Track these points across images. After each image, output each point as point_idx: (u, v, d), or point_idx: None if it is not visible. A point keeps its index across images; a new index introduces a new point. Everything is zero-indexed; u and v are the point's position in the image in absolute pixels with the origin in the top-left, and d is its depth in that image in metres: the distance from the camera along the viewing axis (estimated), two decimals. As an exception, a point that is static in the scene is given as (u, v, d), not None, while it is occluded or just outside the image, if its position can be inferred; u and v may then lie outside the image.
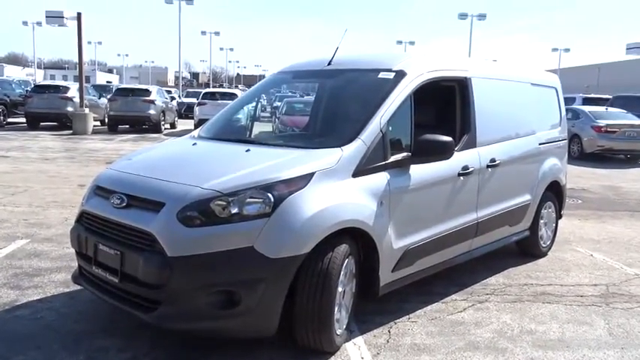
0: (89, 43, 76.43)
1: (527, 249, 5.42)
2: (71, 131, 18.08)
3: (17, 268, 4.60)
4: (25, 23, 54.63)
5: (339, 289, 3.16)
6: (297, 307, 3.02)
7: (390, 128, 3.63)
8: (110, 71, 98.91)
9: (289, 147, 3.55)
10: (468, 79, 4.36)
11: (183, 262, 2.81)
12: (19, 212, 6.70)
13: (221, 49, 79.27)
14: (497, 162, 4.48)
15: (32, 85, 20.37)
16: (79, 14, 18.00)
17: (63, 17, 18.84)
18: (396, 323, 3.73)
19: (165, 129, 20.61)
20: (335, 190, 3.17)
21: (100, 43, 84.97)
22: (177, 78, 67.19)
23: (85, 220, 3.43)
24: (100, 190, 3.41)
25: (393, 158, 3.55)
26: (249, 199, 2.93)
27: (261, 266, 2.85)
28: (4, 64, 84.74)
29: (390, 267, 3.57)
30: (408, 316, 3.87)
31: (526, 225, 5.15)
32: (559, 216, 5.80)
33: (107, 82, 54.40)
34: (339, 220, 3.10)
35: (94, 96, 21.41)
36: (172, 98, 25.08)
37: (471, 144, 4.30)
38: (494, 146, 4.53)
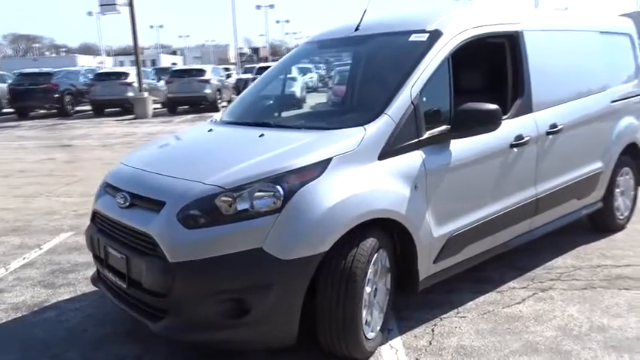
0: (151, 27, 78.48)
1: (601, 223, 4.76)
2: (133, 116, 18.49)
3: (55, 264, 4.53)
4: (89, 14, 56.54)
5: (367, 288, 2.78)
6: (318, 311, 2.66)
7: (424, 99, 3.14)
8: (174, 53, 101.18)
9: (309, 129, 3.14)
10: (519, 33, 3.75)
11: (186, 268, 2.52)
12: (71, 203, 6.74)
13: (277, 21, 78.94)
14: (559, 127, 3.87)
15: (94, 74, 20.93)
16: (130, 0, 18.15)
17: (115, 4, 19.10)
18: (441, 320, 3.30)
19: (222, 107, 20.67)
20: (357, 177, 2.75)
21: (161, 26, 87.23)
22: (238, 55, 67.74)
23: (97, 220, 3.22)
24: (108, 188, 3.17)
25: (428, 134, 3.07)
26: (256, 194, 2.58)
27: (272, 269, 2.51)
28: (77, 54, 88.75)
29: (430, 258, 3.13)
30: (456, 310, 3.42)
31: (598, 196, 4.50)
32: (639, 183, 5.07)
33: (172, 63, 55.62)
34: (362, 212, 2.69)
35: (153, 79, 21.79)
36: (228, 76, 25.08)
37: (526, 109, 3.72)
38: (554, 109, 3.92)
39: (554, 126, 3.85)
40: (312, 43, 4.26)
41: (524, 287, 3.74)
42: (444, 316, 3.35)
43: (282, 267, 2.51)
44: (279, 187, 2.58)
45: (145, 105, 18.20)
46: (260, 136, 3.12)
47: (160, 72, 25.35)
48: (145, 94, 18.49)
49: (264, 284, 2.51)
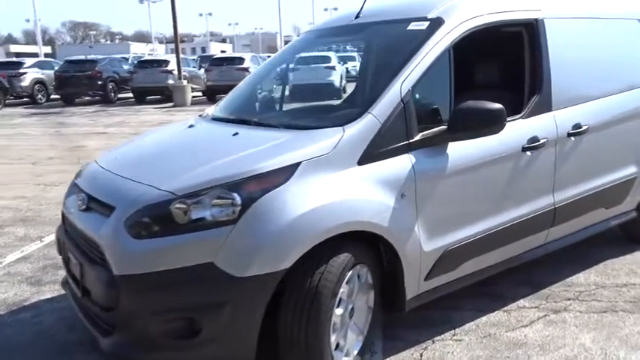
0: (200, 14, 79.26)
1: (635, 234, 4.26)
2: (172, 103, 18.62)
3: (49, 259, 4.43)
4: (141, 1, 57.63)
5: (338, 310, 2.48)
6: (280, 334, 2.39)
7: (418, 96, 2.80)
8: (224, 41, 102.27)
9: (288, 128, 2.84)
10: (539, 21, 3.31)
11: (132, 282, 2.28)
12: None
13: (325, 9, 78.35)
14: (583, 128, 3.42)
15: (136, 62, 21.21)
16: (171, -13, 18.21)
17: (157, -8, 19.15)
18: (434, 342, 2.97)
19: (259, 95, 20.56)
20: (330, 185, 2.44)
21: (210, 14, 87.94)
22: (285, 42, 67.75)
23: (64, 221, 3.04)
24: (74, 187, 2.99)
25: (420, 136, 2.72)
26: (214, 202, 2.31)
27: (225, 287, 2.25)
28: (131, 42, 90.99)
29: (421, 274, 2.80)
30: (453, 332, 3.07)
31: (631, 205, 4.00)
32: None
33: (221, 51, 56.14)
34: (332, 224, 2.39)
35: (194, 67, 21.89)
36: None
37: (544, 107, 3.29)
38: (579, 107, 3.47)
39: (577, 126, 3.40)
40: (312, 33, 3.94)
41: (536, 307, 3.34)
42: (438, 338, 3.01)
43: (236, 285, 2.24)
44: (236, 195, 2.30)
45: (184, 93, 18.28)
46: (234, 134, 2.85)
47: (204, 60, 25.48)
48: (184, 82, 18.57)
49: (216, 303, 2.25)
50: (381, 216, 2.54)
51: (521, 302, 3.40)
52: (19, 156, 9.54)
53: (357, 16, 3.49)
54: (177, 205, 2.30)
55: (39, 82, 20.96)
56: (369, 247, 2.65)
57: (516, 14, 3.28)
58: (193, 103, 18.88)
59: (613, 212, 3.89)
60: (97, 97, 20.43)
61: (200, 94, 21.20)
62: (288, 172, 2.38)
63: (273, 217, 2.29)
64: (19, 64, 21.21)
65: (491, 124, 2.75)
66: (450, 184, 2.83)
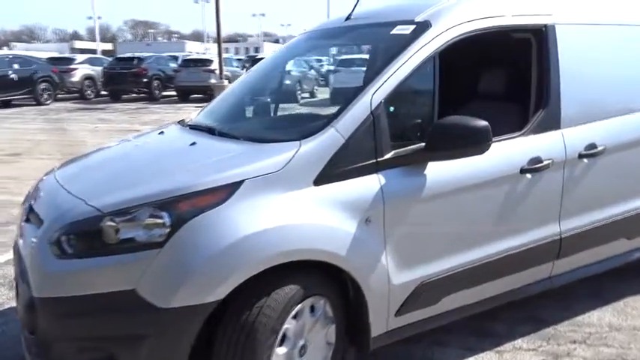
0: (253, 15, 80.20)
1: (665, 269, 3.77)
2: (213, 103, 18.74)
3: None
4: (196, 1, 58.80)
5: (280, 349, 2.20)
6: (212, 369, 2.14)
7: (392, 109, 2.49)
8: (277, 41, 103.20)
9: (247, 139, 2.57)
10: (549, 27, 2.92)
11: (50, 306, 2.09)
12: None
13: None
14: (599, 148, 3.00)
15: (181, 60, 21.49)
16: (216, -12, 18.31)
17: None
18: (403, 387, 2.65)
19: (302, 97, 20.41)
20: (277, 206, 2.17)
21: (263, 14, 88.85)
22: (335, 44, 67.47)
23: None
24: (31, 195, 2.83)
25: (392, 154, 2.41)
26: (147, 221, 2.09)
27: (146, 319, 2.02)
28: (187, 40, 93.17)
29: (389, 309, 2.48)
30: (429, 375, 2.74)
31: (660, 235, 3.53)
32: None
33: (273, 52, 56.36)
34: (275, 252, 2.12)
35: (237, 67, 21.99)
36: (310, 67, 24.83)
37: (551, 124, 2.90)
38: (594, 125, 3.05)
39: (591, 147, 2.99)
40: (302, 35, 3.67)
41: (534, 349, 2.96)
42: (412, 379, 2.69)
43: (158, 316, 2.01)
44: (165, 215, 2.07)
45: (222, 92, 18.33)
46: (191, 145, 2.62)
47: (251, 60, 25.56)
48: (225, 82, 18.60)
49: (135, 336, 2.02)
50: (337, 243, 2.25)
51: (519, 342, 3.03)
52: (48, 152, 9.71)
53: (347, 18, 3.21)
54: (106, 223, 2.08)
55: (89, 77, 21.58)
56: (330, 276, 2.36)
57: (522, 19, 2.90)
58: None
59: (637, 243, 3.43)
60: (142, 94, 20.82)
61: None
62: (227, 190, 2.12)
63: (204, 241, 2.04)
64: (71, 60, 21.91)
65: (473, 143, 2.40)
66: (428, 209, 2.50)
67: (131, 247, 2.05)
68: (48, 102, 19.02)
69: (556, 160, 2.86)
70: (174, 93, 21.41)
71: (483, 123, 2.39)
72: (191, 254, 2.02)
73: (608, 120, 3.11)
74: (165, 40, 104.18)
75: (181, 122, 3.36)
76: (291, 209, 2.18)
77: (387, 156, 2.40)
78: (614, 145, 3.09)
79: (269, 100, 3.04)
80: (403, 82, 2.47)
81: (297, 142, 2.30)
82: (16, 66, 18.27)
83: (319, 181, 2.26)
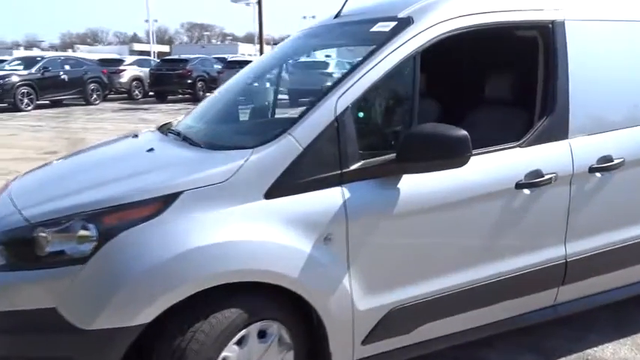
0: (304, 17, 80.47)
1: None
2: (253, 104, 18.78)
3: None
4: (247, 4, 59.44)
5: (218, 379, 1.99)
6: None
7: (363, 114, 2.24)
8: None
9: (207, 147, 2.36)
10: (557, 23, 2.59)
11: None
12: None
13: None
14: (615, 161, 2.64)
15: (225, 61, 21.69)
16: (258, -8, 18.41)
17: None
18: (375, 421, 2.38)
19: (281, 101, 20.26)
20: (219, 221, 1.96)
21: (313, 16, 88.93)
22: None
23: None
24: None
25: (359, 164, 2.16)
26: (80, 233, 1.93)
27: (67, 340, 1.86)
28: (240, 43, 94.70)
29: (355, 338, 2.23)
30: (405, 410, 2.46)
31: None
32: None
33: (326, 55, 56.40)
34: (213, 272, 1.91)
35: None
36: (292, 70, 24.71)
37: (557, 133, 2.57)
38: (610, 135, 2.69)
39: (606, 159, 2.64)
40: (296, 34, 3.44)
41: (531, 386, 2.63)
42: (385, 415, 2.41)
43: (80, 338, 1.84)
44: (92, 227, 1.90)
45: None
46: (148, 150, 2.46)
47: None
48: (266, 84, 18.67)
49: (54, 357, 1.86)
50: (288, 264, 2.03)
51: (515, 377, 2.70)
52: (82, 150, 9.87)
53: (336, 16, 2.97)
54: (38, 234, 1.94)
55: (136, 79, 22.10)
56: (288, 298, 2.14)
57: (525, 14, 2.58)
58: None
59: (662, 270, 3.03)
60: (186, 95, 21.14)
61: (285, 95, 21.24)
62: (162, 203, 1.93)
63: (131, 258, 1.86)
64: (120, 62, 22.50)
65: (450, 154, 2.12)
66: (401, 228, 2.24)
67: (57, 262, 1.90)
68: (97, 102, 19.57)
69: (561, 174, 2.53)
70: (217, 94, 21.60)
71: (462, 132, 2.10)
72: (116, 272, 1.85)
73: (628, 129, 2.74)
74: (218, 42, 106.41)
75: (165, 125, 3.21)
76: (234, 225, 1.97)
77: (354, 167, 2.15)
78: (634, 157, 2.72)
79: (246, 104, 2.84)
80: (376, 84, 2.22)
81: (249, 151, 2.09)
82: (67, 67, 18.90)
83: (271, 193, 2.04)
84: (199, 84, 21.01)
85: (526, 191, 2.47)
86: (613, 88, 2.71)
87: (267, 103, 2.55)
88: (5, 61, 20.19)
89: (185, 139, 2.53)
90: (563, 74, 2.58)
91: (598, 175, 2.64)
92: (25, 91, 17.08)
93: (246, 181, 2.02)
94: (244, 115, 2.58)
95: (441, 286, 2.37)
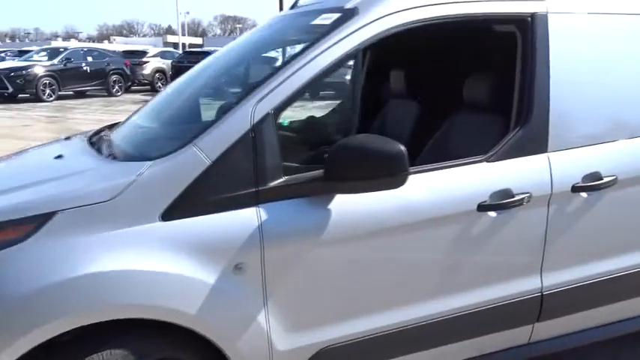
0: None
1: None
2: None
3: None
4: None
5: None
6: None
7: (288, 122, 1.92)
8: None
9: (108, 156, 2.05)
10: (537, 17, 2.20)
11: None
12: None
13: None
14: (605, 180, 2.25)
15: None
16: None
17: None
18: None
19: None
20: (100, 247, 1.67)
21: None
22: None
23: None
24: None
25: (280, 181, 1.83)
26: None
27: None
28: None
29: (274, 381, 1.92)
30: None
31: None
32: None
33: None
34: (84, 308, 1.62)
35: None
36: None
37: (533, 145, 2.19)
38: (599, 148, 2.29)
39: (594, 177, 2.24)
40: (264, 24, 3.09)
41: None
42: None
43: None
44: (-49, 252, 1.63)
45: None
46: (56, 157, 2.17)
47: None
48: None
49: None
50: (187, 298, 1.72)
51: None
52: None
53: (292, 6, 2.64)
54: None
55: (159, 70, 22.09)
56: (192, 337, 1.83)
57: (499, 5, 2.20)
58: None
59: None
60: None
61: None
62: (32, 224, 1.65)
63: (-12, 290, 1.58)
64: (143, 54, 22.54)
65: (383, 173, 1.78)
66: (331, 255, 1.91)
67: None
68: (118, 93, 19.62)
69: (536, 195, 2.15)
70: (239, 87, 21.46)
71: (397, 147, 1.76)
72: None
73: (622, 142, 2.33)
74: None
75: (112, 126, 2.93)
76: (119, 252, 1.67)
77: (273, 184, 1.82)
78: (629, 175, 2.31)
79: (180, 105, 2.51)
80: (307, 86, 1.88)
81: (147, 164, 1.78)
82: (90, 59, 18.98)
83: (170, 214, 1.73)
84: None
85: (491, 214, 2.10)
86: (604, 93, 2.31)
87: (201, 105, 2.24)
88: (30, 51, 20.42)
89: (95, 146, 2.24)
90: (543, 77, 2.20)
91: (583, 195, 2.25)
92: (47, 81, 17.20)
93: (137, 199, 1.72)
94: (173, 119, 2.28)
95: (386, 323, 2.03)
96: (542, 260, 2.25)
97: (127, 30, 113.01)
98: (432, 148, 2.74)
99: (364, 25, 1.97)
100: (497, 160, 2.14)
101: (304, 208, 1.85)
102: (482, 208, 2.07)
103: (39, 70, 17.07)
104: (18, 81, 16.63)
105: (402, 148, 1.75)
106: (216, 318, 1.76)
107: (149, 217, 1.71)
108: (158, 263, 1.69)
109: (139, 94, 20.90)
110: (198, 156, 1.77)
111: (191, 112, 2.03)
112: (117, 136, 2.32)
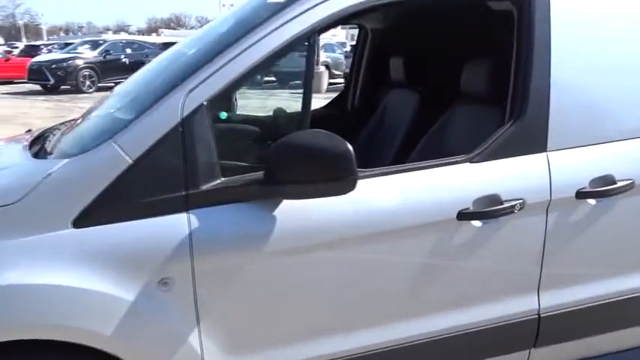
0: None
1: None
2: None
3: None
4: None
5: None
6: None
7: (226, 115, 1.68)
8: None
9: (43, 152, 1.86)
10: (537, -6, 1.87)
11: None
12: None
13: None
14: (617, 184, 1.90)
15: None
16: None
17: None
18: None
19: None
20: (4, 256, 1.47)
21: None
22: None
23: None
24: None
25: (215, 183, 1.59)
26: None
27: None
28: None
29: (213, 411, 1.68)
30: None
31: None
32: None
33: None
34: None
35: (340, 53, 21.35)
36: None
37: (530, 142, 1.87)
38: (608, 148, 1.94)
39: (605, 181, 1.90)
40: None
41: None
42: None
43: None
44: None
45: (320, 79, 17.76)
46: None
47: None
48: (321, 69, 18.08)
49: None
50: (103, 316, 1.51)
51: None
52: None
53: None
54: None
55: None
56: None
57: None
58: (329, 90, 18.34)
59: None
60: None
61: (342, 80, 20.62)
62: None
63: None
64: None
65: (326, 176, 1.50)
66: (276, 270, 1.65)
67: None
68: (156, 85, 19.85)
69: (531, 201, 1.83)
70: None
71: (343, 147, 1.48)
72: None
73: (637, 140, 1.97)
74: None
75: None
76: (23, 262, 1.47)
77: (207, 186, 1.58)
78: (649, 178, 1.95)
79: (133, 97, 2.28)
80: (249, 73, 1.63)
81: (61, 162, 1.56)
82: (128, 50, 19.23)
83: (83, 221, 1.51)
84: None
85: (475, 223, 1.79)
86: (618, 81, 1.94)
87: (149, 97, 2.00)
88: (72, 44, 20.88)
89: (37, 142, 2.04)
90: (543, 61, 1.86)
91: (590, 202, 1.91)
92: (87, 73, 17.52)
93: (46, 202, 1.50)
94: (120, 112, 2.05)
95: (345, 347, 1.76)
96: (539, 277, 1.93)
97: (175, 22, 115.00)
98: (426, 145, 2.44)
99: (319, 3, 1.69)
100: (483, 161, 1.82)
101: (244, 214, 1.60)
102: (463, 216, 1.77)
103: (79, 62, 17.41)
104: (59, 73, 17.01)
105: (349, 147, 1.47)
106: (140, 340, 1.54)
107: (59, 223, 1.50)
108: (70, 277, 1.48)
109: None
110: (119, 154, 1.54)
111: (127, 107, 1.81)
112: (59, 133, 2.11)
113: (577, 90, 1.89)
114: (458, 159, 1.81)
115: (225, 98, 1.65)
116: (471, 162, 1.82)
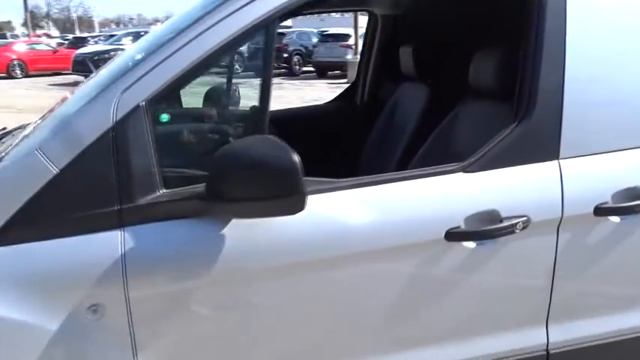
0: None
1: None
2: (346, 80, 17.94)
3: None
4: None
5: None
6: None
7: (168, 117, 1.45)
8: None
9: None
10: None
11: None
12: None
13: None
14: (648, 198, 1.58)
15: (320, 35, 20.99)
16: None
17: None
18: None
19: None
20: None
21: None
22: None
23: None
24: None
25: (153, 196, 1.37)
26: None
27: None
28: (360, 16, 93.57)
29: None
30: None
31: None
32: None
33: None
34: None
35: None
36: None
37: (537, 148, 1.57)
38: (635, 154, 1.62)
39: (631, 194, 1.58)
40: None
41: None
42: None
43: None
44: None
45: (355, 69, 17.46)
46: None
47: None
48: (359, 58, 17.74)
49: None
50: (20, 350, 1.32)
51: None
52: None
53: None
54: None
55: (237, 53, 22.23)
56: None
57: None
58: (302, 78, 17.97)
59: None
60: (282, 69, 20.83)
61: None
62: None
63: None
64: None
65: (272, 193, 1.26)
66: (224, 296, 1.43)
67: None
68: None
69: (537, 219, 1.54)
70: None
71: (288, 158, 1.23)
72: None
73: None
74: (338, 16, 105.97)
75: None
76: None
77: (143, 200, 1.36)
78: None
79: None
80: (194, 69, 1.40)
81: None
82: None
83: (1, 238, 1.33)
84: (295, 58, 20.58)
85: (468, 245, 1.52)
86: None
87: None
88: (116, 35, 21.22)
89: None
90: (555, 52, 1.56)
91: (613, 219, 1.60)
92: (128, 64, 17.78)
93: (-44, 217, 1.32)
94: (55, 118, 1.86)
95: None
96: (548, 307, 1.63)
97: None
98: (429, 149, 2.16)
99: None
100: (480, 170, 1.54)
101: (186, 232, 1.38)
102: (453, 236, 1.50)
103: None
104: (101, 64, 17.26)
105: (293, 158, 1.22)
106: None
107: None
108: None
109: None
110: (42, 163, 1.34)
111: (61, 112, 1.61)
112: (10, 137, 1.94)
113: (596, 86, 1.57)
114: (448, 168, 1.53)
115: (170, 98, 1.43)
116: (464, 171, 1.54)
